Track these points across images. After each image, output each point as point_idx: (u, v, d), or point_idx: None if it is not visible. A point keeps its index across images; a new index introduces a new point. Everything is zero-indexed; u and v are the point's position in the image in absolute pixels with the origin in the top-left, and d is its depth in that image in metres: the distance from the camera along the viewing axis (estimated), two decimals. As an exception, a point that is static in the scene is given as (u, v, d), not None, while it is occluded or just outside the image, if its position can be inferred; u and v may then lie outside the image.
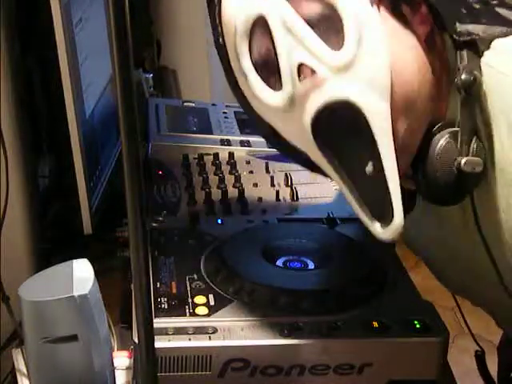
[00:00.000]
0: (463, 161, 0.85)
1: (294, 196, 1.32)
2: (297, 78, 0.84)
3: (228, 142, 1.48)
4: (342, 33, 0.83)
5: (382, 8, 0.86)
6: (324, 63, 0.83)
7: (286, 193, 1.33)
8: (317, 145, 0.87)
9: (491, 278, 0.94)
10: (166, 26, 2.20)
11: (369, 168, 0.84)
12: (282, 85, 0.85)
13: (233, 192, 1.33)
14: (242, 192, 1.32)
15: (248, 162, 1.42)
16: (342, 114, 0.84)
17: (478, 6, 0.89)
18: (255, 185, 1.36)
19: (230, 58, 0.91)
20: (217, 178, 1.36)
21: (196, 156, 1.43)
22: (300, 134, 0.88)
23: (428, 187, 0.89)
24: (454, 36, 0.87)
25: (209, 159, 1.43)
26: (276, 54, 0.84)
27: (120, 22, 0.60)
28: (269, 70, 0.87)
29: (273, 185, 1.35)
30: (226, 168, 1.40)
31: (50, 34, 1.09)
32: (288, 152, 0.98)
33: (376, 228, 0.86)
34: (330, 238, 1.13)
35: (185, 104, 1.69)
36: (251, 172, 1.39)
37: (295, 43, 0.84)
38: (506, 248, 0.91)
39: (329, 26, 0.84)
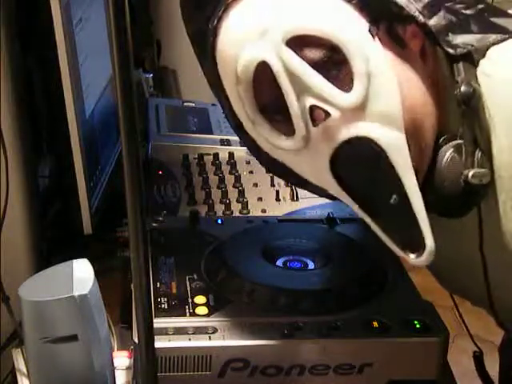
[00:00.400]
0: (471, 173, 0.85)
1: (294, 196, 1.32)
2: (310, 122, 0.83)
3: (228, 142, 1.48)
4: (349, 72, 0.83)
5: (380, 36, 0.85)
6: (336, 106, 0.83)
7: (286, 193, 1.33)
8: (337, 181, 0.87)
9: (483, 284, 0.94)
10: (166, 26, 2.19)
11: (393, 200, 0.84)
12: (294, 128, 0.84)
13: (233, 192, 1.33)
14: (241, 192, 1.32)
15: (248, 162, 1.42)
16: (360, 150, 0.84)
17: (467, 12, 0.89)
18: (255, 185, 1.36)
19: (231, 101, 0.90)
20: (217, 177, 1.37)
21: (196, 156, 1.44)
22: (317, 172, 0.88)
23: (437, 201, 0.88)
24: (449, 50, 0.86)
25: (209, 159, 1.43)
26: (283, 98, 0.83)
27: (120, 22, 0.60)
28: (277, 113, 0.86)
29: (273, 185, 1.35)
30: (225, 168, 1.41)
31: (50, 34, 1.08)
32: (304, 186, 0.99)
33: (411, 257, 0.86)
34: (330, 238, 1.14)
35: (185, 104, 1.69)
36: (251, 172, 1.40)
37: (304, 89, 0.83)
38: (502, 252, 0.91)
39: (335, 67, 0.83)
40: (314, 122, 0.83)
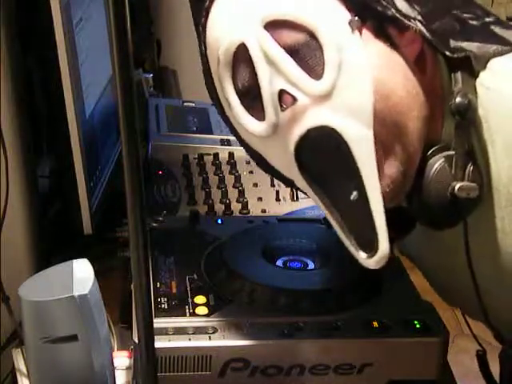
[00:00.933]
0: (457, 186, 0.84)
1: (294, 196, 1.32)
2: (279, 107, 0.83)
3: (228, 142, 1.48)
4: (322, 61, 0.82)
5: (365, 31, 0.85)
6: (304, 92, 0.82)
7: (285, 193, 1.33)
8: (300, 172, 0.86)
9: (473, 300, 0.94)
10: (165, 25, 2.20)
11: (353, 196, 0.83)
12: (264, 113, 0.84)
13: (233, 192, 1.33)
14: (241, 192, 1.32)
15: (248, 162, 1.42)
16: (325, 142, 0.83)
17: (473, 23, 0.88)
18: (255, 185, 1.36)
19: (216, 86, 0.90)
20: (217, 177, 1.37)
21: (196, 156, 1.44)
22: (284, 161, 0.87)
23: (422, 211, 0.88)
24: (447, 53, 0.86)
25: (209, 159, 1.43)
26: (258, 83, 0.83)
27: (120, 22, 0.60)
28: (252, 97, 0.86)
29: (273, 185, 1.35)
30: (226, 168, 1.41)
31: (50, 34, 1.08)
32: (278, 176, 0.97)
33: (361, 256, 0.86)
34: (330, 238, 1.13)
35: (185, 104, 1.69)
36: (251, 172, 1.40)
37: (276, 72, 0.83)
38: (496, 266, 0.91)
39: (309, 54, 0.83)
40: (282, 107, 0.83)
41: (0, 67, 1.11)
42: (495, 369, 1.02)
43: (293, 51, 0.83)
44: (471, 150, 0.86)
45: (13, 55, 1.15)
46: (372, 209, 0.83)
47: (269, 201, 1.32)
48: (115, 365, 0.95)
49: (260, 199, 1.32)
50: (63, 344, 0.86)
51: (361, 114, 0.82)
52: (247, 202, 1.29)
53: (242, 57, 0.85)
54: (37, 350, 0.88)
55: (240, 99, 0.86)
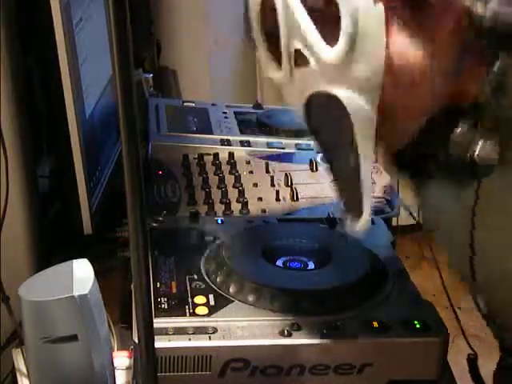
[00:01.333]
0: (477, 151, 0.85)
1: (294, 196, 1.32)
2: (293, 63, 0.85)
3: (228, 142, 1.48)
4: (339, 30, 0.83)
5: (400, 10, 0.83)
6: (316, 56, 0.83)
7: (286, 193, 1.33)
8: (308, 128, 0.89)
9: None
10: (166, 25, 2.20)
11: (350, 162, 0.86)
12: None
13: (233, 192, 1.33)
14: (241, 192, 1.32)
15: (248, 162, 1.42)
16: (330, 108, 0.85)
17: None
18: (255, 185, 1.36)
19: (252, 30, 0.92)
20: (217, 177, 1.37)
21: (196, 156, 1.44)
22: (298, 108, 0.89)
23: (441, 167, 0.89)
24: (487, 23, 0.81)
25: (209, 159, 1.43)
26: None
27: (120, 22, 0.60)
28: (275, 45, 0.87)
29: (273, 185, 1.35)
30: (226, 168, 1.41)
31: (50, 34, 1.08)
32: None
33: (347, 219, 0.88)
34: (330, 238, 1.13)
35: (185, 104, 1.69)
36: (251, 172, 1.40)
37: (295, 30, 0.84)
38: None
39: (329, 20, 0.83)
40: (296, 64, 0.85)
41: (0, 67, 1.11)
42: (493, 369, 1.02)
43: (315, 13, 0.83)
44: (502, 124, 0.85)
45: (13, 55, 1.15)
46: (361, 177, 0.85)
47: (269, 201, 1.32)
48: (115, 365, 0.95)
49: (260, 199, 1.32)
50: (63, 344, 0.86)
51: (367, 89, 0.83)
52: (247, 201, 1.29)
53: (270, 6, 0.85)
54: (37, 350, 0.88)
55: (265, 44, 0.88)
